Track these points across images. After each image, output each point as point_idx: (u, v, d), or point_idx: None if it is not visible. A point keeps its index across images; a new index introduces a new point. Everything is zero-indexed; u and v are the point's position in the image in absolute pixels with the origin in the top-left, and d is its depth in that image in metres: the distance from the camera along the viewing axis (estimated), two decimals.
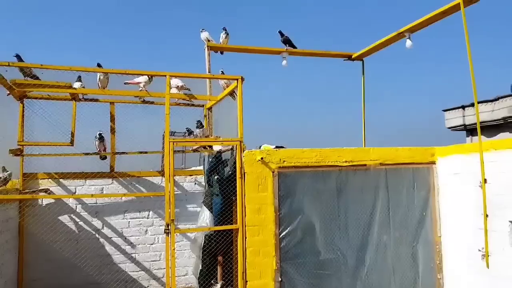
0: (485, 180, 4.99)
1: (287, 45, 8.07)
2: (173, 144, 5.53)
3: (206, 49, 8.04)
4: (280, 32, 8.16)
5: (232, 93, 7.34)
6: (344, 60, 8.52)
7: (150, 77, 7.33)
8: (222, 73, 7.75)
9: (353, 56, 8.37)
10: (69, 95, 7.04)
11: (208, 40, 8.10)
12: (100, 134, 7.53)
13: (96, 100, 7.69)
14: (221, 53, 8.25)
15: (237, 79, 5.99)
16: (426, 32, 7.06)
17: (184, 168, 9.55)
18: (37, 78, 6.30)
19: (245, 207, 5.35)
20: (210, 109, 8.23)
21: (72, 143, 6.93)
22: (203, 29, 8.12)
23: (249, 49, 8.11)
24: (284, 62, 8.03)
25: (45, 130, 6.90)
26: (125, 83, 7.18)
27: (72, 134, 6.93)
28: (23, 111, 6.85)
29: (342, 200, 5.73)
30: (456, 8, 5.97)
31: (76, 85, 6.86)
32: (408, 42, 6.88)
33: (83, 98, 7.42)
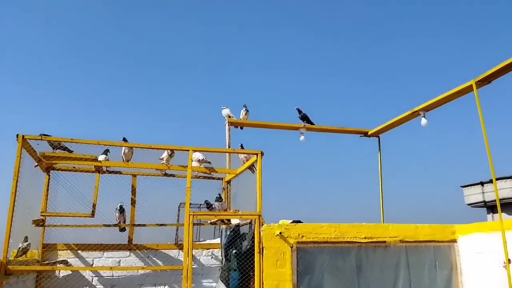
0: (509, 261, 4.88)
1: (305, 121, 8.32)
2: (193, 217, 5.58)
3: (226, 124, 8.31)
4: (298, 109, 8.46)
5: (251, 167, 7.45)
6: (360, 136, 8.68)
7: (172, 152, 7.50)
8: (242, 147, 7.94)
9: (369, 133, 8.54)
10: (94, 167, 7.23)
11: (229, 116, 8.40)
12: (121, 206, 7.63)
13: (119, 173, 7.86)
14: (241, 128, 8.51)
15: (256, 154, 6.20)
16: (441, 110, 7.20)
17: (199, 241, 9.48)
18: (68, 150, 6.53)
19: (263, 283, 5.28)
20: (229, 182, 8.31)
21: (93, 214, 7.02)
22: (224, 106, 8.45)
23: (267, 125, 8.37)
24: (302, 137, 8.25)
25: (68, 201, 7.03)
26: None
27: (94, 206, 7.03)
28: (48, 182, 7.03)
29: (362, 278, 5.62)
30: (469, 88, 6.17)
31: (101, 157, 7.07)
32: (423, 121, 7.05)
33: (106, 170, 7.60)
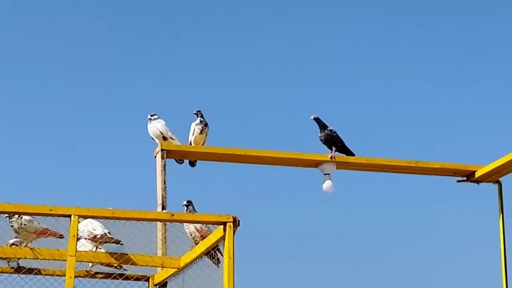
0: None
1: (335, 148, 4.70)
2: None
3: (158, 155, 4.54)
4: (317, 119, 4.82)
5: (212, 252, 3.90)
6: (458, 181, 5.30)
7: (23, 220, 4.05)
8: (189, 207, 4.34)
9: (477, 174, 5.06)
10: None
11: (164, 137, 4.46)
12: None
13: None
14: (191, 163, 4.82)
15: (223, 223, 3.50)
16: None
17: None
18: None
19: None
20: (163, 286, 4.25)
21: None
22: (153, 115, 4.68)
23: (250, 156, 4.79)
24: (326, 183, 4.71)
25: None
26: None
27: None
28: None
29: None
30: None
31: None
32: None
33: None
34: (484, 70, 10.63)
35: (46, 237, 4.25)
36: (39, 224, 4.11)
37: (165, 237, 4.10)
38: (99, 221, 4.20)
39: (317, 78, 10.39)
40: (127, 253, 4.08)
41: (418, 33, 10.65)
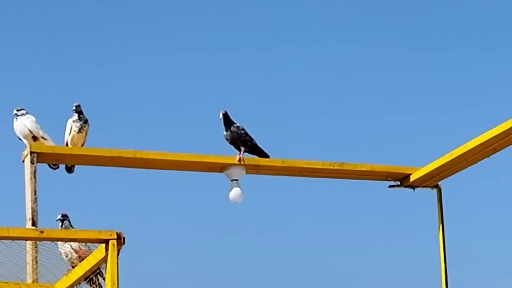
0: None
1: (244, 148, 4.10)
2: None
3: (26, 159, 3.89)
4: (225, 115, 4.17)
5: (90, 278, 3.34)
6: (390, 186, 4.76)
7: None
8: (64, 222, 3.81)
9: (411, 178, 4.58)
10: None
11: (34, 137, 3.86)
12: None
13: None
14: (68, 169, 4.14)
15: (105, 241, 2.95)
16: None
17: None
18: None
19: None
20: None
21: None
22: (20, 110, 4.04)
23: (138, 158, 4.11)
24: (234, 191, 4.11)
25: None
26: None
27: None
28: None
29: None
30: None
31: None
32: None
33: None
34: (423, 56, 9.38)
35: None
36: None
37: (35, 259, 3.43)
38: None
39: (218, 67, 9.09)
40: None
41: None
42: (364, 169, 4.61)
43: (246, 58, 9.20)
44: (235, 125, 4.04)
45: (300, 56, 9.30)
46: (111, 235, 2.83)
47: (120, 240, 2.86)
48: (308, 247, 7.72)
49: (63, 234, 3.22)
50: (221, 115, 4.00)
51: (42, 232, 3.10)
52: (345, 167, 4.60)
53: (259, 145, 4.14)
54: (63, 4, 9.06)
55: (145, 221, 7.28)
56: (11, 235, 3.06)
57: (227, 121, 4.05)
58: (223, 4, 9.28)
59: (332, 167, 4.54)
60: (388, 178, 4.67)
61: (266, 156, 4.17)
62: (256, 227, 7.81)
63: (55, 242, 3.33)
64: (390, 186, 4.73)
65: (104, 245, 2.88)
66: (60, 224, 3.56)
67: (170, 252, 7.53)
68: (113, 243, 2.81)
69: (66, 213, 3.65)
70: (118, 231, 2.87)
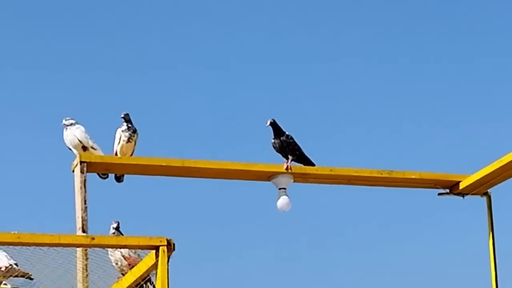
0: None
1: (291, 157, 4.10)
2: None
3: (76, 169, 3.86)
4: (273, 123, 4.07)
5: (140, 285, 3.30)
6: (440, 194, 4.71)
7: None
8: (117, 230, 3.78)
9: (461, 186, 4.55)
10: None
11: (84, 147, 3.89)
12: None
13: None
14: (118, 179, 4.13)
15: (156, 247, 2.90)
16: None
17: None
18: None
19: None
20: None
21: None
22: (70, 120, 4.06)
23: (186, 167, 4.05)
24: (282, 200, 4.07)
25: None
26: None
27: None
28: None
29: None
30: None
31: None
32: None
33: None
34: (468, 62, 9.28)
35: None
36: None
37: (85, 266, 3.43)
38: (2, 250, 3.53)
39: (264, 76, 9.13)
40: None
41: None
42: (413, 176, 4.55)
43: (294, 69, 9.29)
44: (284, 134, 4.05)
45: (352, 66, 9.31)
46: (161, 241, 2.81)
47: (170, 246, 2.85)
48: (356, 255, 7.81)
49: (114, 240, 3.24)
50: (268, 123, 3.98)
51: (93, 238, 3.11)
52: (394, 175, 4.55)
53: (306, 154, 4.14)
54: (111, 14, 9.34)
55: (193, 230, 7.31)
56: (62, 242, 3.10)
57: (276, 129, 4.05)
58: (294, 16, 9.42)
59: (380, 175, 4.50)
60: (437, 186, 4.62)
61: (312, 165, 4.17)
62: (304, 236, 7.78)
63: (105, 249, 3.37)
64: (439, 194, 4.67)
65: (154, 251, 2.86)
66: (113, 231, 3.57)
67: (218, 260, 7.55)
68: (163, 249, 2.80)
69: (118, 221, 3.67)
70: (168, 238, 2.86)
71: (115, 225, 3.68)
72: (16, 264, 3.51)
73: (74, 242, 3.23)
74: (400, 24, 9.41)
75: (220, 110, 8.97)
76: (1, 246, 3.34)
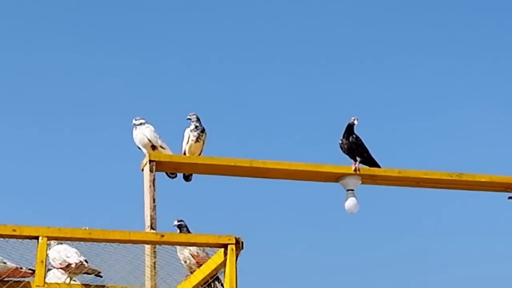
0: None
1: (359, 158, 4.10)
2: None
3: (145, 168, 3.89)
4: (348, 127, 4.23)
5: (208, 283, 3.30)
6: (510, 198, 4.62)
7: None
8: (182, 228, 3.78)
9: None
10: None
11: (153, 146, 3.94)
12: None
13: None
14: (186, 178, 4.18)
15: (224, 246, 2.95)
16: None
17: None
18: None
19: None
20: None
21: None
22: (140, 120, 4.07)
23: (254, 167, 4.01)
24: (350, 201, 4.07)
25: None
26: None
27: None
28: None
29: None
30: None
31: None
32: None
33: None
34: None
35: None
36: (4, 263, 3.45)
37: (154, 263, 3.43)
38: (74, 246, 3.56)
39: (332, 78, 9.19)
40: (108, 285, 3.42)
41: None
42: (483, 179, 4.53)
43: (361, 70, 9.38)
44: (353, 135, 4.08)
45: (416, 67, 9.29)
46: (229, 239, 2.80)
47: (238, 245, 2.87)
48: (424, 257, 7.75)
49: (183, 238, 3.30)
50: (355, 121, 4.03)
51: (162, 236, 3.14)
52: (464, 178, 4.53)
53: (373, 156, 4.17)
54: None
55: (262, 227, 7.41)
56: (132, 238, 3.12)
57: (349, 131, 4.10)
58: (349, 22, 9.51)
59: (450, 178, 4.47)
60: (508, 189, 4.58)
61: (378, 166, 4.21)
62: (371, 237, 7.80)
63: (174, 246, 3.37)
64: (509, 198, 4.66)
65: (222, 250, 2.87)
66: (178, 230, 3.56)
67: (286, 259, 7.62)
68: (231, 247, 2.81)
69: (182, 219, 3.64)
70: (237, 236, 2.86)
71: (175, 222, 3.70)
72: (86, 261, 3.54)
73: (144, 239, 3.27)
74: None
75: (290, 110, 9.08)
76: (73, 242, 3.41)
